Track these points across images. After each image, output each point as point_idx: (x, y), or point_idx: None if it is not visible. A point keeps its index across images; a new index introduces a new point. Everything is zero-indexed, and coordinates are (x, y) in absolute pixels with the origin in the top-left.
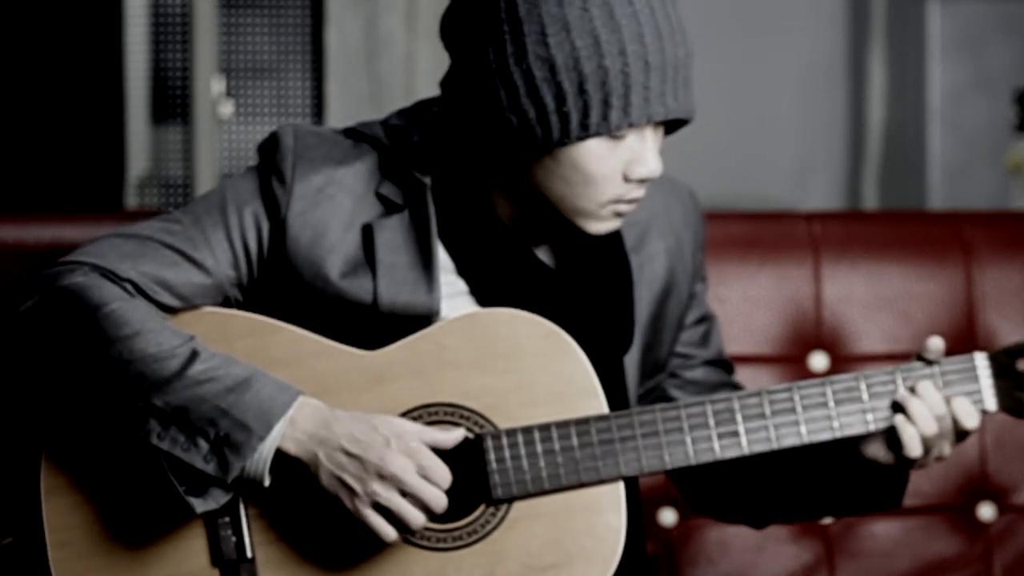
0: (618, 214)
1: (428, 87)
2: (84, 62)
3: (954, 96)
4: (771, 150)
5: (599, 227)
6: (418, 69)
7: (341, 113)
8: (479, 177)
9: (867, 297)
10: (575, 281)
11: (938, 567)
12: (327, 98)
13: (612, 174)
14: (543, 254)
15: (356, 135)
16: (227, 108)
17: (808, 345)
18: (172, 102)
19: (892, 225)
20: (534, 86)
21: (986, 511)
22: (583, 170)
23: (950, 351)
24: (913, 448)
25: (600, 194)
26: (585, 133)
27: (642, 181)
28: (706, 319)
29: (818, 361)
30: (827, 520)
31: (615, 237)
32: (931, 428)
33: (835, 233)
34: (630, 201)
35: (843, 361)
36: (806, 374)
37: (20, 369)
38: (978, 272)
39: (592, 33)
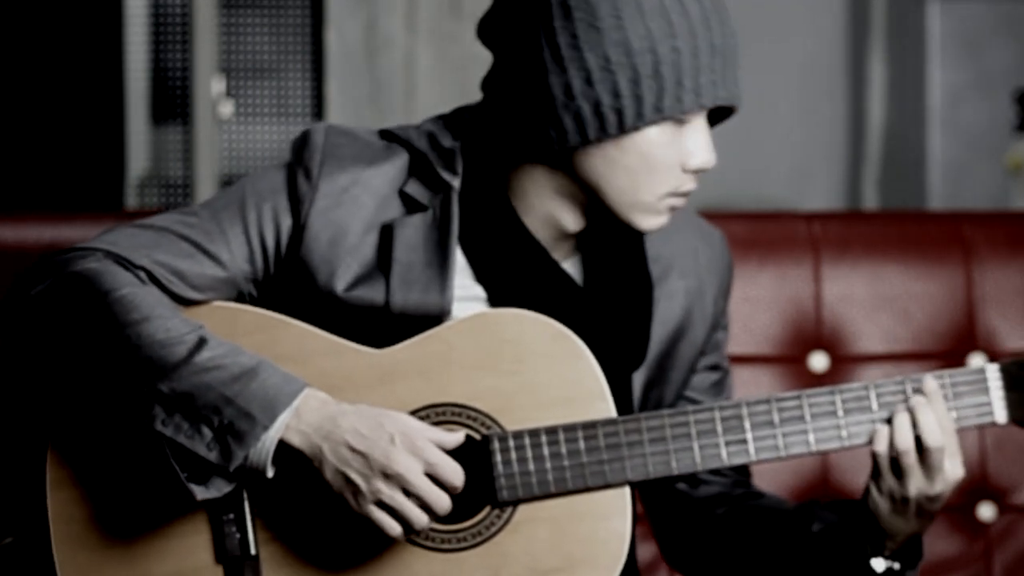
0: (671, 208)
1: (428, 87)
2: (84, 62)
3: (954, 96)
4: (771, 150)
5: (653, 221)
6: (418, 69)
7: (341, 113)
8: (511, 181)
9: (867, 297)
10: (595, 294)
11: (938, 567)
12: (327, 98)
13: (673, 164)
14: (566, 266)
15: (390, 136)
16: (227, 108)
17: (808, 345)
18: (172, 102)
19: (892, 225)
20: (609, 70)
21: (986, 511)
22: (648, 159)
23: (950, 351)
24: (883, 458)
25: (660, 184)
26: (659, 116)
27: (696, 172)
28: (720, 368)
29: (818, 361)
30: None
31: (640, 255)
32: (936, 439)
33: (835, 233)
34: (684, 194)
35: (843, 361)
36: (806, 374)
37: (30, 352)
38: (978, 272)
39: (664, 15)
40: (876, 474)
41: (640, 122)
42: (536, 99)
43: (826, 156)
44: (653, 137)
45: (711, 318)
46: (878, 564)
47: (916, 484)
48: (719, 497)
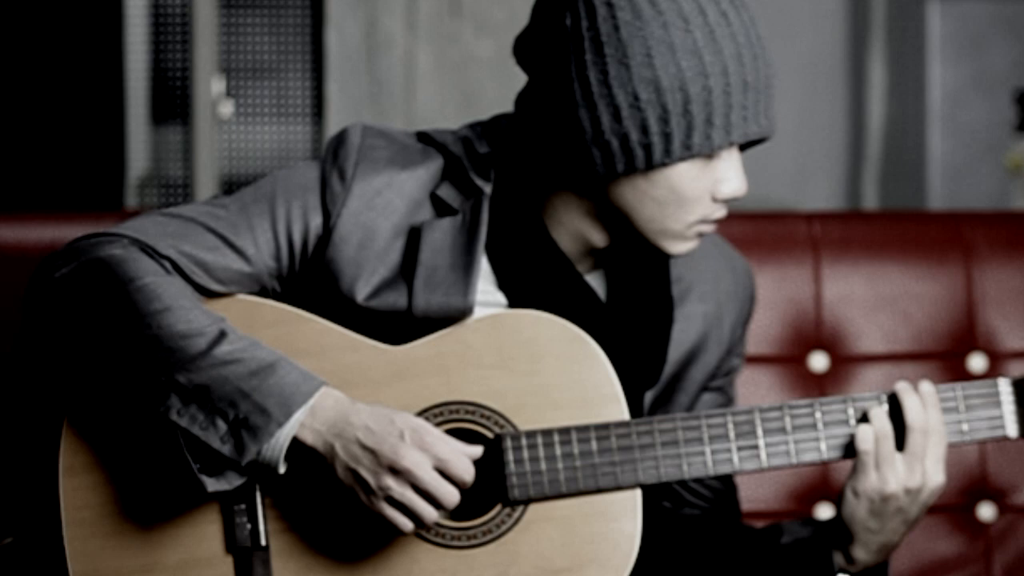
0: (700, 234)
1: (428, 87)
2: (84, 62)
3: (954, 96)
4: (771, 150)
5: (682, 247)
6: (418, 69)
7: (341, 113)
8: (542, 195)
9: (867, 297)
10: (616, 310)
11: (938, 567)
12: (327, 98)
13: (703, 195)
14: (589, 279)
15: (426, 139)
16: (227, 108)
17: (808, 345)
18: (172, 102)
19: (892, 225)
20: (638, 108)
21: (986, 511)
22: (677, 191)
23: (950, 351)
24: (865, 440)
25: (689, 214)
26: (688, 153)
27: (726, 201)
28: (725, 394)
29: (818, 361)
30: None
31: (664, 275)
32: (920, 421)
33: (835, 233)
34: (713, 221)
35: (843, 361)
36: (806, 374)
37: (51, 335)
38: (978, 272)
39: (696, 54)
40: (856, 472)
41: (668, 159)
42: (566, 131)
43: (826, 156)
44: (683, 171)
45: (726, 343)
46: None
47: (896, 475)
48: (699, 518)
